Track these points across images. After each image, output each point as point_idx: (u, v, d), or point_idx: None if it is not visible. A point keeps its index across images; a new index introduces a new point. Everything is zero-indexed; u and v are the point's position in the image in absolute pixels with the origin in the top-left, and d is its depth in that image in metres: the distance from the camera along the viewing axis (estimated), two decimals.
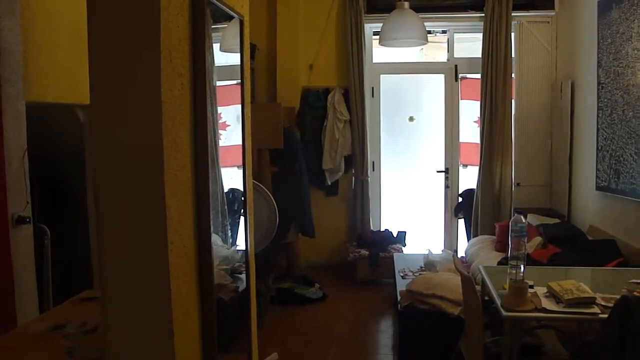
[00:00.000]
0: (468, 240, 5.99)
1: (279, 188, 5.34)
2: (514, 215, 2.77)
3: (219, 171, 2.69)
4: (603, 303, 2.57)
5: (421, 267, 5.01)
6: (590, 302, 2.59)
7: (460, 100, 6.36)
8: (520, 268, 2.67)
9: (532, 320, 2.96)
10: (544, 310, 2.58)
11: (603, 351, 2.37)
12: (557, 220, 5.17)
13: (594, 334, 2.76)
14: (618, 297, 2.37)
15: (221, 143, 2.91)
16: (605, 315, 2.41)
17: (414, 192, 6.63)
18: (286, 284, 5.46)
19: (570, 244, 4.27)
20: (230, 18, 2.41)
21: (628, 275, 3.07)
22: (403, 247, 6.01)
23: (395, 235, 6.12)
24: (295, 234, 5.71)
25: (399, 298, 4.20)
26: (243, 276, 2.68)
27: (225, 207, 2.88)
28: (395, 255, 5.61)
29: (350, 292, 5.59)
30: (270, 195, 4.63)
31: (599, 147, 4.59)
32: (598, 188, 4.64)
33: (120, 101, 1.68)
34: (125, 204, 1.70)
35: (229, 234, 3.01)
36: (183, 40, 1.80)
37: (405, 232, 6.15)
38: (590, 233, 4.67)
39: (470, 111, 6.35)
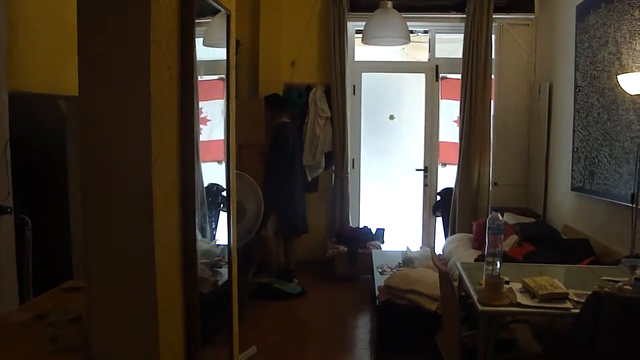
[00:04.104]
0: (446, 238, 6.06)
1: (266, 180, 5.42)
2: (491, 213, 2.83)
3: (199, 166, 2.71)
4: (575, 299, 2.65)
5: (399, 263, 5.06)
6: (564, 297, 2.66)
7: (440, 100, 6.44)
8: (497, 264, 2.73)
9: (507, 315, 3.03)
10: (519, 305, 2.65)
11: (575, 345, 2.44)
12: (532, 220, 5.27)
13: (567, 328, 2.83)
14: (590, 293, 2.44)
15: (201, 138, 2.93)
16: (578, 310, 2.49)
17: (393, 189, 6.71)
18: (265, 279, 5.48)
19: (545, 243, 4.36)
20: (215, 12, 2.42)
21: (600, 272, 3.15)
22: (381, 244, 6.07)
23: (374, 232, 6.19)
24: (270, 230, 5.67)
25: (377, 293, 4.25)
26: (223, 270, 2.69)
27: (205, 201, 2.89)
28: (374, 251, 5.66)
29: (329, 288, 5.64)
30: (259, 188, 4.63)
31: (575, 149, 4.69)
32: (573, 188, 4.74)
33: (109, 92, 1.69)
34: (113, 194, 1.71)
35: (209, 229, 3.01)
36: (172, 33, 1.82)
37: (383, 229, 6.21)
38: (565, 232, 4.77)
39: (450, 111, 6.42)
